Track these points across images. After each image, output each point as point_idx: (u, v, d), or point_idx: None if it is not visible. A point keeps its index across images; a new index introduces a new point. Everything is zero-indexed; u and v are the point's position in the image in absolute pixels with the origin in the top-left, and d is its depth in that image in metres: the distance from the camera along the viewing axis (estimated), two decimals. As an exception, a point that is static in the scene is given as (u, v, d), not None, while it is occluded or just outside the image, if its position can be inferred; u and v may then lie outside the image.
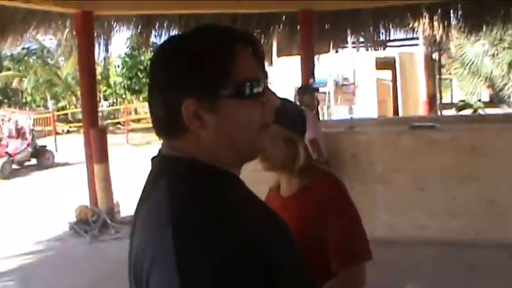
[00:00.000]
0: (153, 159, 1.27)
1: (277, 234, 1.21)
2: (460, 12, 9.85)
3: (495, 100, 22.80)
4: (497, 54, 21.15)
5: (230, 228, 1.07)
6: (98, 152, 8.52)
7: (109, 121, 27.33)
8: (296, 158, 2.21)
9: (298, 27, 9.54)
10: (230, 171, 1.23)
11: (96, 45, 9.85)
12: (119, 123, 27.61)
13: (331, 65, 20.81)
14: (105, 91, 31.76)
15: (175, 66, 1.19)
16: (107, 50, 10.58)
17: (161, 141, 1.27)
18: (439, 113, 19.51)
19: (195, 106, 1.16)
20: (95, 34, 9.33)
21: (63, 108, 30.60)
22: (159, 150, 1.27)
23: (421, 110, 19.24)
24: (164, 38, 10.80)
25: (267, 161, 2.18)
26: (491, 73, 21.48)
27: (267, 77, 1.26)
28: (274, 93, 1.26)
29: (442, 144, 6.76)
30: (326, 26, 10.43)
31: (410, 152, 6.81)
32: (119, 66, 33.25)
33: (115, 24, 10.30)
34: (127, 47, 31.33)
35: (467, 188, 6.55)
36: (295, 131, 2.22)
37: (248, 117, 1.20)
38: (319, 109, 9.37)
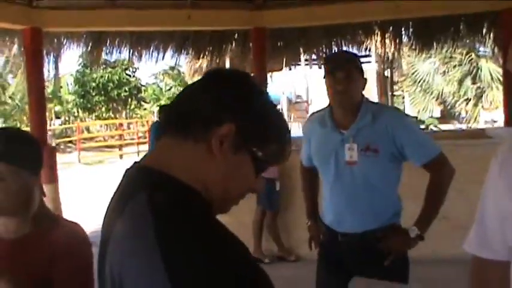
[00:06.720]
0: (127, 170, 1.24)
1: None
2: (411, 30, 9.97)
3: (446, 116, 23.24)
4: (448, 71, 21.59)
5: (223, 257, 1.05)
6: (47, 171, 8.25)
7: (61, 140, 26.68)
8: (29, 204, 1.88)
9: (251, 44, 9.48)
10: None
11: (46, 63, 9.56)
12: (71, 141, 27.00)
13: (284, 82, 20.90)
14: (57, 110, 31.19)
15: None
16: (56, 68, 10.33)
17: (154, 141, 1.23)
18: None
19: (231, 133, 1.16)
20: (45, 51, 9.06)
21: (12, 127, 29.75)
22: (136, 162, 1.24)
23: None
24: (116, 55, 10.64)
25: None
26: (442, 90, 21.91)
27: None
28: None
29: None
30: (279, 44, 10.38)
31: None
32: (71, 84, 32.77)
33: (65, 41, 10.03)
34: (78, 65, 30.98)
35: (420, 205, 6.51)
36: (27, 170, 1.86)
37: (248, 174, 1.23)
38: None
